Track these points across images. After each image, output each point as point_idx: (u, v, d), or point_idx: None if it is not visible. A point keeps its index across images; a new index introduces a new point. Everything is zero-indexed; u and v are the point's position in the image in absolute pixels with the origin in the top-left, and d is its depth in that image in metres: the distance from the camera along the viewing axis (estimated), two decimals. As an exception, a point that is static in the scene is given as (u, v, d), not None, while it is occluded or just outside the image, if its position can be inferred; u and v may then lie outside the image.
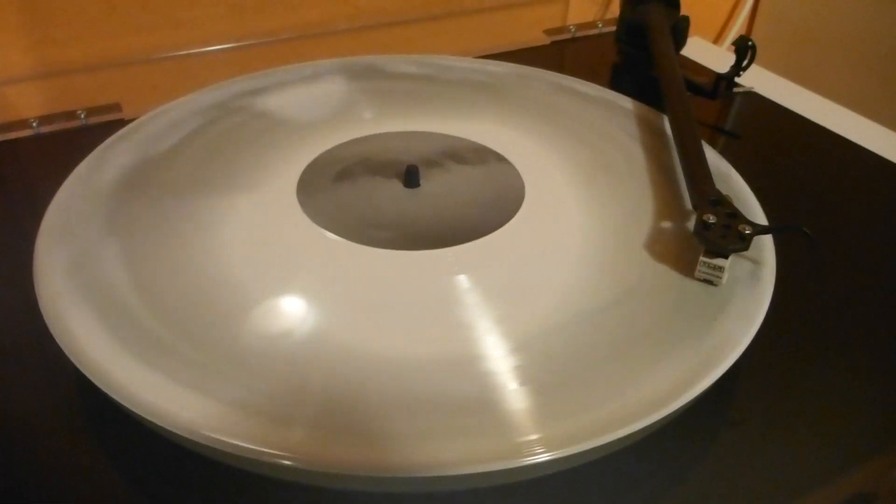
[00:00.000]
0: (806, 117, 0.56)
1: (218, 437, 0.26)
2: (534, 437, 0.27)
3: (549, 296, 0.34)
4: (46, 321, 0.31)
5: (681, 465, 0.31)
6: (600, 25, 0.70)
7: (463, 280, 0.34)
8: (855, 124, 0.56)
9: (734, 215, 0.35)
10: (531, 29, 0.73)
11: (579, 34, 0.69)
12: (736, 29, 0.86)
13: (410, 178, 0.41)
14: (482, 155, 0.44)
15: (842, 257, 0.42)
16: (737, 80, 0.56)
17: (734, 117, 0.57)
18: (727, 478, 0.30)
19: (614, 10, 0.77)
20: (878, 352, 0.36)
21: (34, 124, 0.50)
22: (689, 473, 0.30)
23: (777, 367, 0.35)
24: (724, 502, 0.29)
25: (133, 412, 0.28)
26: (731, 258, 0.34)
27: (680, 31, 0.57)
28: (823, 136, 0.54)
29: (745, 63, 0.53)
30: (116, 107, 0.53)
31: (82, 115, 0.52)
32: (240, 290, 0.33)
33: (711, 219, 0.35)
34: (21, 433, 0.31)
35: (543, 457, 0.26)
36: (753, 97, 0.59)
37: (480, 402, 0.28)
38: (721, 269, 0.34)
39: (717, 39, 0.90)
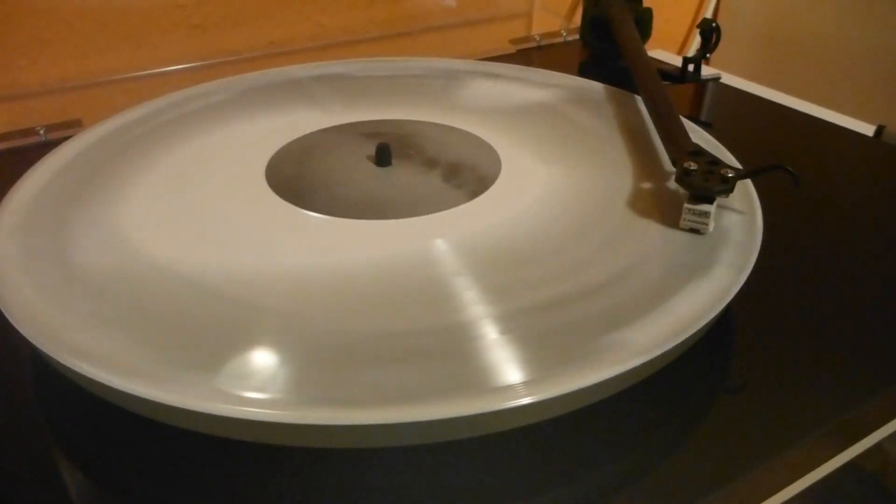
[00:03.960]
0: (774, 101, 0.56)
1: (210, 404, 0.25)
2: (517, 381, 0.26)
3: (533, 253, 0.33)
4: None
5: (676, 431, 0.29)
6: (564, 34, 0.71)
7: (441, 244, 0.33)
8: (817, 113, 0.56)
9: (715, 163, 0.35)
10: (496, 44, 0.73)
11: (544, 42, 0.69)
12: (697, 39, 0.87)
13: (381, 156, 0.39)
14: (455, 134, 0.43)
15: (832, 230, 0.41)
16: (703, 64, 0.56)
17: (705, 108, 0.57)
18: (724, 446, 0.28)
19: (577, 21, 0.77)
20: (859, 301, 0.35)
21: (-9, 141, 0.49)
22: (685, 441, 0.28)
23: (772, 328, 0.34)
24: (719, 470, 0.27)
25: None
26: (715, 206, 0.33)
27: (644, 22, 0.57)
28: (792, 115, 0.54)
29: (710, 45, 0.53)
30: (77, 122, 0.51)
31: (41, 132, 0.50)
32: (220, 270, 0.32)
33: (693, 166, 0.34)
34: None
35: (526, 399, 0.25)
36: (720, 87, 0.59)
37: (462, 351, 0.27)
38: (707, 214, 0.33)
39: (679, 52, 0.91)
